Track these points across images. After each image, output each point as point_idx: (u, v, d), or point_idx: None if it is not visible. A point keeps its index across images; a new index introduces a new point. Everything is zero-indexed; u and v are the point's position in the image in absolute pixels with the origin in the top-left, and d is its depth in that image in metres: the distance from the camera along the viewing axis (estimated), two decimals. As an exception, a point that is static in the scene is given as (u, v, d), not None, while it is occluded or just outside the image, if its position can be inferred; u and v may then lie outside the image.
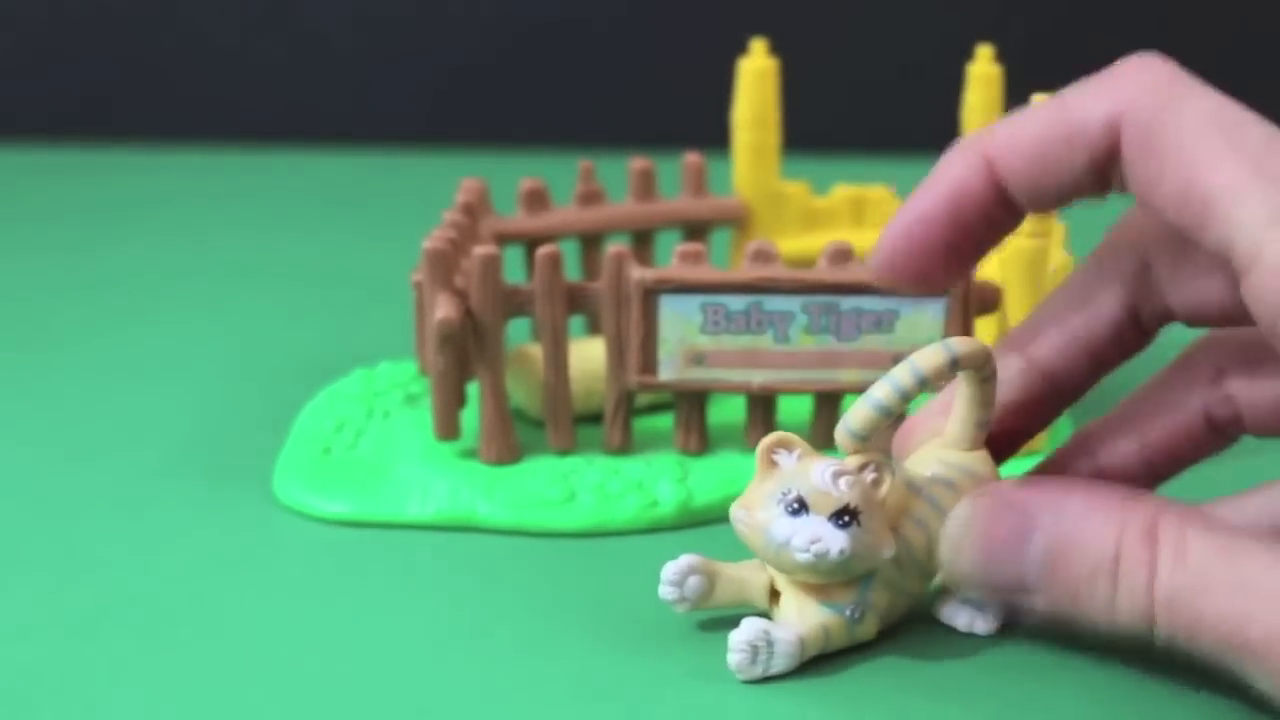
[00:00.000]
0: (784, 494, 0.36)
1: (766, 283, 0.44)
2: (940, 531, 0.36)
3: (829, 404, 0.46)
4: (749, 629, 0.36)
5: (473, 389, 0.48)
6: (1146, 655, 0.36)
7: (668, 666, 0.37)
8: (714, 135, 0.56)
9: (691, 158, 0.54)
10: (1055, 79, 0.47)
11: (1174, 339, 0.40)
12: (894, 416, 0.35)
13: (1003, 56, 0.52)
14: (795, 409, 0.47)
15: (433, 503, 0.45)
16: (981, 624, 0.38)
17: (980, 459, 0.38)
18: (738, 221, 0.54)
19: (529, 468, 0.46)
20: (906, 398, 0.35)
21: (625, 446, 0.47)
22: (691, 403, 0.46)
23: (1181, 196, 0.33)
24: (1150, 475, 0.39)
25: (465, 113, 1.01)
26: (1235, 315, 0.36)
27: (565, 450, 0.46)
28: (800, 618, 0.37)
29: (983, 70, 0.52)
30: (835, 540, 0.35)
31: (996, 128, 0.36)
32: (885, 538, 0.36)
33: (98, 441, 0.50)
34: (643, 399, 0.49)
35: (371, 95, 1.03)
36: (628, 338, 0.45)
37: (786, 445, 0.36)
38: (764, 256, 0.45)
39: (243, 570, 0.42)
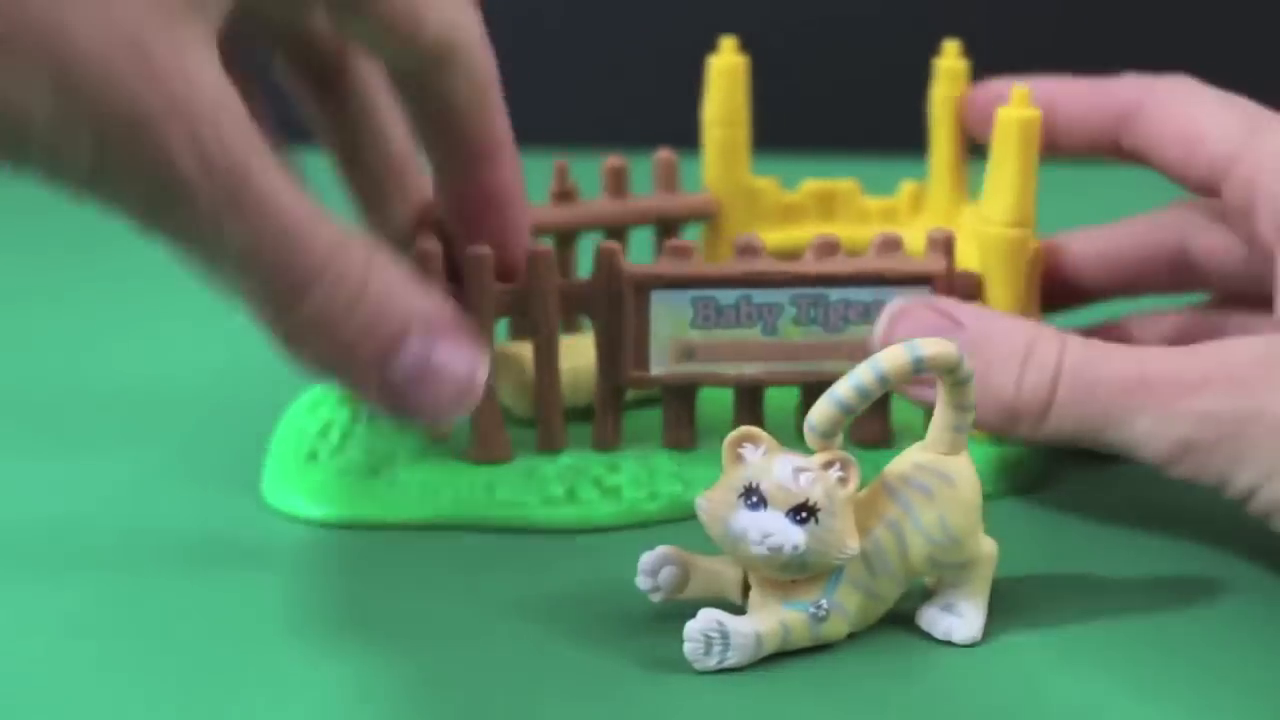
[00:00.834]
0: (746, 488, 0.36)
1: (758, 277, 0.45)
2: (909, 529, 0.37)
3: (816, 394, 0.46)
4: (703, 619, 0.36)
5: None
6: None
7: (662, 655, 0.37)
8: (683, 134, 0.57)
9: (663, 155, 0.54)
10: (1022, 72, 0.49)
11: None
12: (856, 414, 0.36)
13: (969, 51, 0.53)
14: (782, 401, 0.47)
15: (428, 504, 0.45)
16: (959, 632, 0.38)
17: (958, 464, 0.38)
18: (709, 217, 0.55)
19: (522, 466, 0.46)
20: (868, 396, 0.36)
21: (617, 443, 0.47)
22: (681, 398, 0.47)
23: (1180, 136, 0.45)
24: (1100, 284, 0.50)
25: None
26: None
27: (558, 449, 0.47)
28: (761, 613, 0.37)
29: (950, 65, 0.53)
30: (790, 535, 0.35)
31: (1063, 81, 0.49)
32: (847, 536, 0.36)
33: (82, 444, 0.50)
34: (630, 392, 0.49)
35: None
36: (619, 334, 0.45)
37: (752, 440, 0.37)
38: (751, 250, 0.45)
39: (235, 574, 0.42)
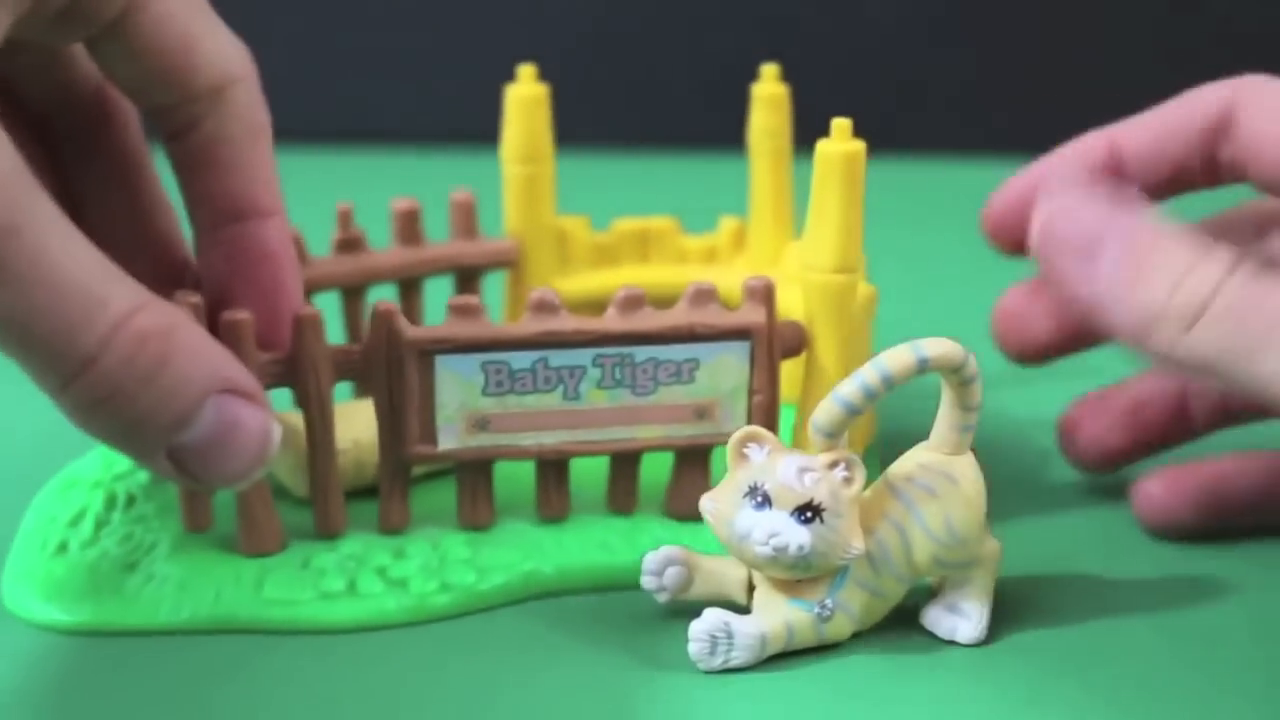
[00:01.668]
0: (750, 488, 0.36)
1: (555, 337, 0.40)
2: (914, 528, 0.37)
3: (628, 464, 0.42)
4: (709, 619, 0.37)
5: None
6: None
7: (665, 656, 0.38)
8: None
9: (459, 196, 0.49)
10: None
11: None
12: (860, 415, 0.37)
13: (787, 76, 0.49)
14: (591, 471, 0.43)
15: (187, 605, 0.39)
16: (964, 632, 0.38)
17: (963, 464, 0.38)
18: (512, 264, 0.50)
19: (296, 556, 0.41)
20: (873, 397, 0.36)
21: (404, 525, 0.42)
22: (476, 473, 0.42)
23: None
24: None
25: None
26: None
27: (337, 534, 0.42)
28: (766, 612, 0.37)
29: (769, 90, 0.49)
30: (795, 535, 0.36)
31: (1130, 119, 0.43)
32: (852, 536, 0.36)
33: None
34: (419, 466, 0.44)
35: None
36: (402, 405, 0.40)
37: (757, 440, 0.37)
38: (547, 307, 0.41)
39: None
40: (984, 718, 0.36)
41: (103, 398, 0.32)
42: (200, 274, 0.41)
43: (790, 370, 0.42)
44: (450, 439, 0.41)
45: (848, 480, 0.36)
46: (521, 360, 0.40)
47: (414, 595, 0.40)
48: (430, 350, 0.40)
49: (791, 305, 0.44)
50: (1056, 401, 0.47)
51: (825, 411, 0.36)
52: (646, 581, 0.38)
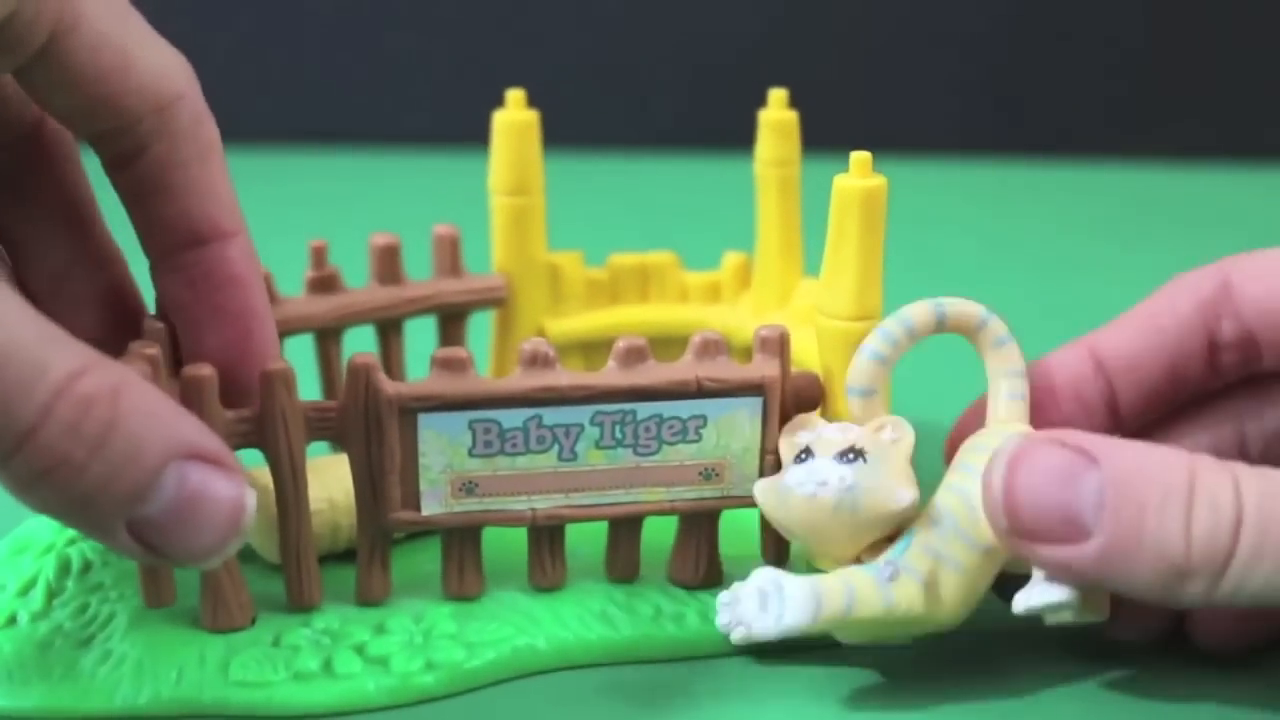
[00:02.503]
0: (797, 457, 0.36)
1: (546, 393, 0.37)
2: (976, 490, 0.34)
3: (629, 529, 0.39)
4: (760, 575, 0.35)
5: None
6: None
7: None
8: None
9: (442, 230, 0.46)
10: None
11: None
12: (890, 365, 0.37)
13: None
14: (588, 535, 0.39)
15: (147, 687, 0.36)
16: (1050, 593, 0.34)
17: (1020, 430, 0.36)
18: (499, 303, 0.46)
19: (266, 631, 0.38)
20: (899, 347, 0.37)
21: (385, 596, 0.38)
22: (463, 540, 0.38)
23: None
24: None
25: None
26: None
27: (311, 606, 0.38)
28: (825, 575, 0.35)
29: (776, 117, 0.45)
30: (835, 470, 0.35)
31: (1102, 329, 0.38)
32: (901, 484, 0.35)
33: None
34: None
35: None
36: (382, 468, 0.37)
37: (806, 426, 0.37)
38: (540, 360, 0.37)
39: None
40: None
41: (46, 469, 0.30)
42: (162, 306, 0.38)
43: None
44: (435, 504, 0.37)
45: (895, 441, 0.36)
46: (513, 418, 0.37)
47: (396, 675, 0.37)
48: (413, 408, 0.36)
49: (804, 350, 0.40)
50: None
51: (856, 370, 0.37)
52: (722, 616, 0.36)
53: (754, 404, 0.38)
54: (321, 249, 0.44)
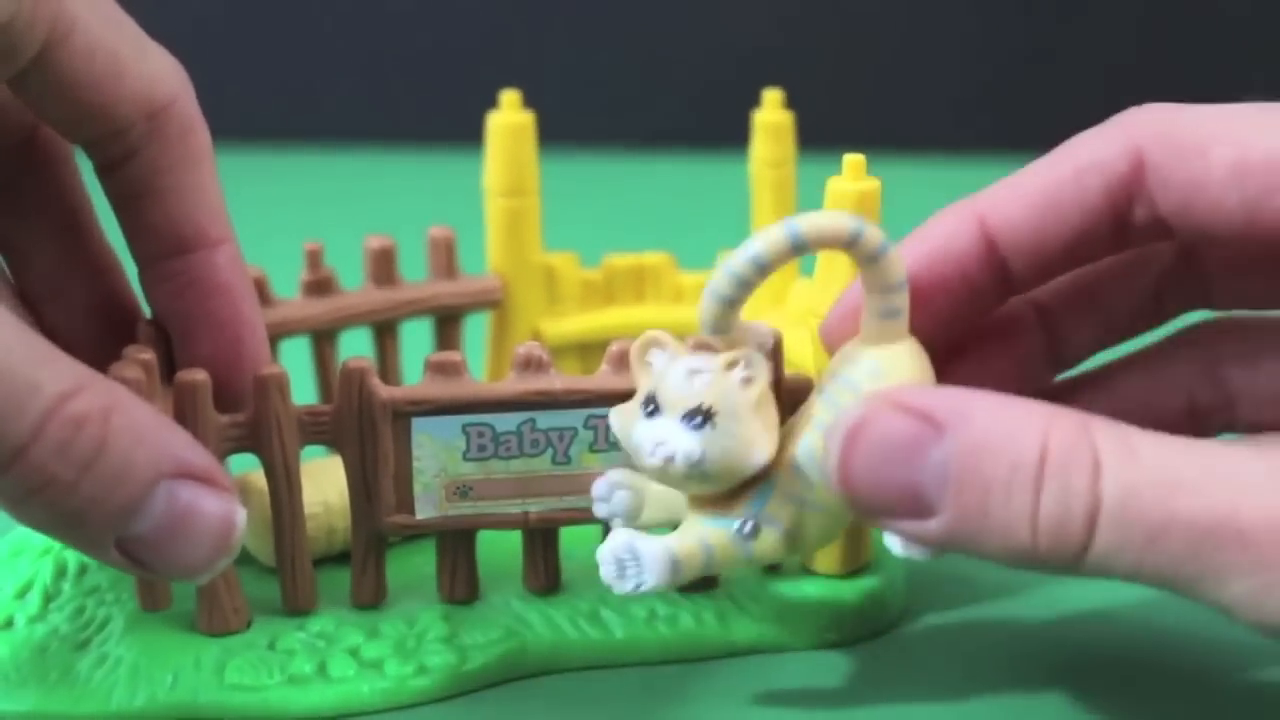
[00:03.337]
0: (646, 397, 0.33)
1: (540, 397, 0.37)
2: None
3: (621, 532, 0.39)
4: (613, 541, 0.33)
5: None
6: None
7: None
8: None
9: (437, 233, 0.46)
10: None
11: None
12: (739, 305, 0.32)
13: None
14: (581, 537, 0.39)
15: (142, 690, 0.36)
16: (918, 548, 0.33)
17: (892, 355, 0.34)
18: (495, 305, 0.46)
19: (262, 634, 0.38)
20: (747, 285, 0.32)
21: (379, 600, 0.38)
22: (458, 543, 0.38)
23: (1238, 168, 0.32)
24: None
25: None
26: (1248, 231, 0.32)
27: (306, 609, 0.38)
28: (681, 532, 0.34)
29: (771, 119, 0.45)
30: (683, 442, 0.32)
31: (991, 187, 0.35)
32: (754, 442, 0.32)
33: None
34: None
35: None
36: (375, 472, 0.37)
37: (659, 344, 0.34)
38: (535, 364, 0.37)
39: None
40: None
41: (37, 488, 0.30)
42: (154, 313, 0.38)
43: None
44: (428, 508, 0.37)
45: (748, 380, 0.33)
46: (506, 422, 0.37)
47: (390, 678, 0.37)
48: (406, 412, 0.37)
49: (798, 351, 0.40)
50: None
51: (702, 308, 0.33)
52: (597, 509, 0.35)
53: (746, 407, 0.38)
54: (317, 251, 0.44)
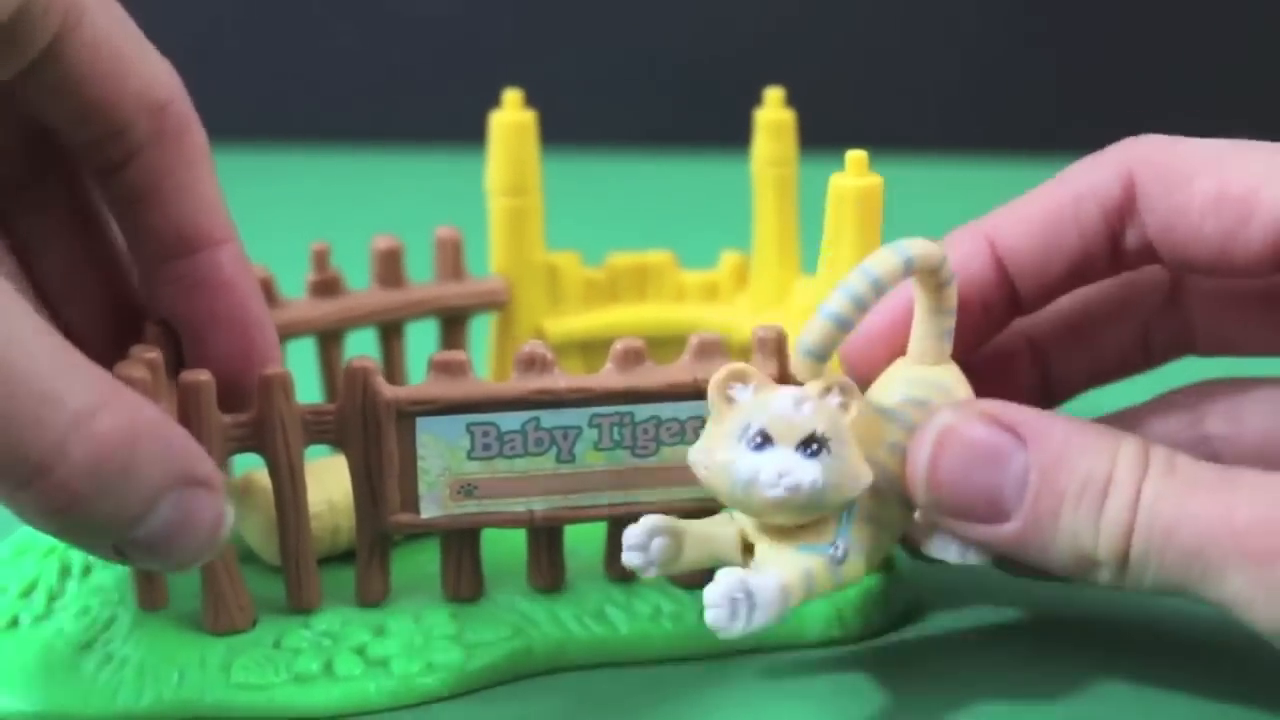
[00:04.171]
0: (745, 429, 0.33)
1: (544, 395, 0.37)
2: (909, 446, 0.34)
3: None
4: (724, 581, 0.33)
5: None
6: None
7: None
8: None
9: (444, 233, 0.46)
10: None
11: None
12: (851, 329, 0.33)
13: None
14: (586, 535, 0.39)
15: (148, 690, 0.36)
16: (974, 554, 0.35)
17: (950, 373, 0.35)
18: (500, 305, 0.46)
19: (267, 633, 0.38)
20: (863, 307, 0.33)
21: (384, 598, 0.39)
22: (462, 541, 0.38)
23: (1217, 199, 0.34)
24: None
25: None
26: (1221, 260, 0.35)
27: (311, 608, 0.38)
28: (779, 564, 0.33)
29: (773, 117, 0.46)
30: (806, 471, 0.32)
31: (997, 210, 0.37)
32: (860, 465, 0.33)
33: None
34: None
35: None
36: (380, 471, 0.37)
37: (741, 378, 0.34)
38: (538, 363, 0.37)
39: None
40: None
41: (60, 508, 0.29)
42: (161, 316, 0.38)
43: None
44: (433, 507, 0.37)
45: (844, 407, 0.34)
46: (511, 421, 0.37)
47: (396, 677, 0.37)
48: (411, 411, 0.37)
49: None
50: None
51: (813, 330, 0.33)
52: (630, 558, 0.34)
53: (751, 405, 0.38)
54: (323, 252, 0.44)
